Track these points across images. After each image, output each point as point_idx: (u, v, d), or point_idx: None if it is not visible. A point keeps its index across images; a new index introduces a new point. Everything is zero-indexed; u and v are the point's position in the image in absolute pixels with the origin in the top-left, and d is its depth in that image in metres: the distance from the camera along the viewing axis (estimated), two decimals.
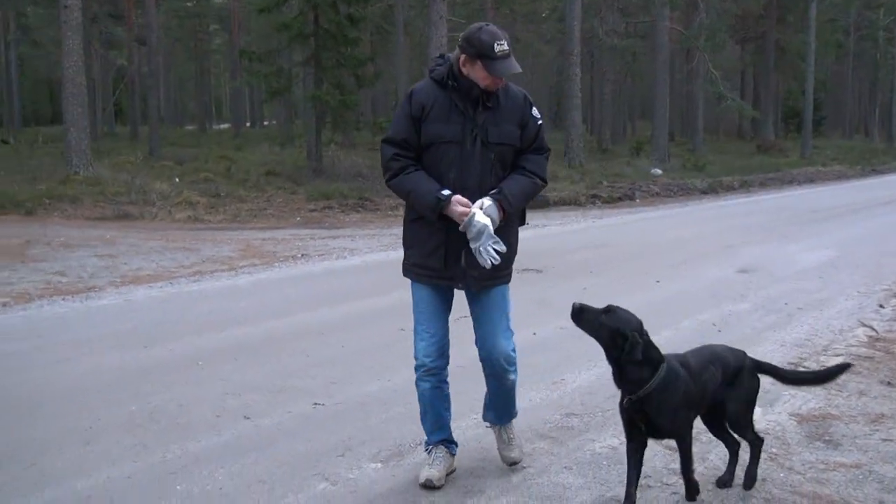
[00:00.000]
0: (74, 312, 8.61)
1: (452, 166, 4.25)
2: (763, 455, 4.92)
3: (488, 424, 4.94)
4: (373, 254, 12.61)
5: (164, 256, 11.87)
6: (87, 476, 4.63)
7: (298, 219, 16.88)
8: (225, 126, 63.57)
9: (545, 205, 19.28)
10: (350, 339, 7.53)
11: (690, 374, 4.11)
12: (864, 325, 8.13)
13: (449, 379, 4.59)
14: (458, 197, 4.17)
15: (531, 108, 4.42)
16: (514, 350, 4.59)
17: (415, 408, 4.71)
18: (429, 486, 4.42)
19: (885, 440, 5.24)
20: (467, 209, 4.14)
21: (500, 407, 4.76)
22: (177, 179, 21.58)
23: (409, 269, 4.46)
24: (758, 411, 5.59)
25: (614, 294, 9.30)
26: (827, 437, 5.30)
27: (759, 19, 46.45)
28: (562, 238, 14.66)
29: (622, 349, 3.97)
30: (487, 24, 4.25)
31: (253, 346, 7.27)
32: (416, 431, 4.83)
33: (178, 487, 4.49)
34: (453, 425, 4.73)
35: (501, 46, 4.12)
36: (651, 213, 19.02)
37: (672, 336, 7.52)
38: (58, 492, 4.44)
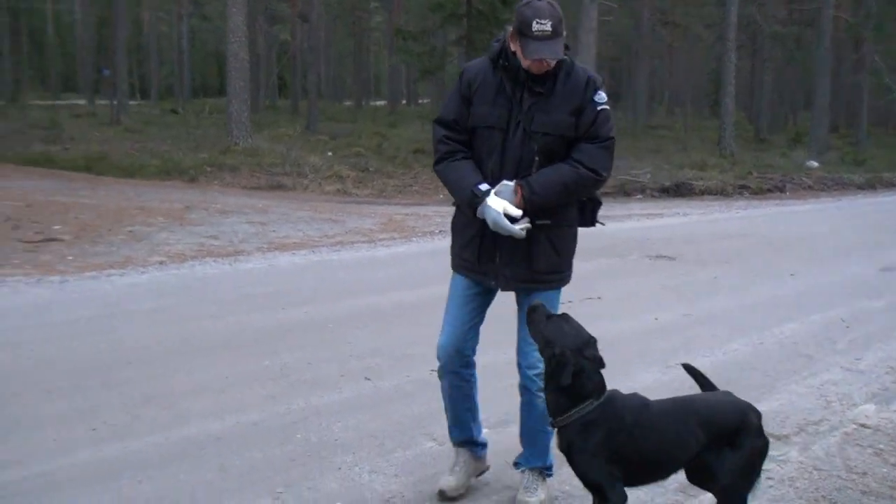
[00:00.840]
0: (222, 274, 9.23)
1: (492, 154, 3.82)
2: (868, 450, 4.96)
3: (520, 467, 4.24)
4: None
5: (311, 226, 12.45)
6: (220, 420, 5.08)
7: (441, 196, 17.26)
8: (381, 103, 64.79)
9: (690, 193, 19.08)
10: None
11: (637, 426, 3.34)
12: None
13: (476, 381, 4.21)
14: (497, 201, 3.75)
15: (594, 93, 3.80)
16: None
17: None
18: (442, 497, 4.11)
19: None
20: None
21: (528, 441, 4.18)
22: (329, 153, 22.36)
23: (453, 258, 4.11)
24: (872, 408, 5.64)
25: (744, 285, 9.35)
26: None
27: None
28: (701, 227, 14.54)
29: (549, 364, 3.38)
30: None
31: (382, 314, 7.65)
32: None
33: (298, 435, 4.88)
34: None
35: (542, 26, 3.60)
36: (800, 207, 18.54)
37: (798, 329, 7.48)
38: (193, 430, 4.91)
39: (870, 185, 23.13)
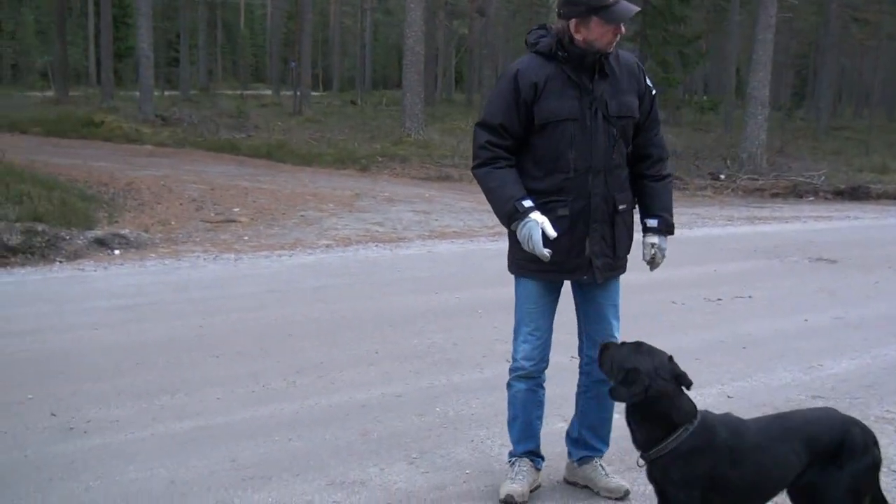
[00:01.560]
0: (383, 258, 9.72)
1: (572, 146, 3.76)
2: None
3: (577, 459, 4.28)
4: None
5: (472, 217, 12.82)
6: (367, 390, 5.47)
7: None
8: None
9: (866, 197, 18.38)
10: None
11: (736, 449, 3.16)
12: None
13: (546, 385, 4.19)
14: (540, 217, 3.71)
15: (645, 77, 3.94)
16: None
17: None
18: (509, 502, 3.99)
19: None
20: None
21: (601, 431, 4.25)
22: None
23: (520, 264, 3.96)
24: None
25: None
26: None
27: None
28: (871, 232, 14.04)
29: (624, 385, 3.23)
30: None
31: None
32: None
33: (437, 409, 5.21)
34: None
35: None
36: None
37: None
38: (341, 398, 5.31)
39: None
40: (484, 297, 7.97)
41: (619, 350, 3.37)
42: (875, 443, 3.32)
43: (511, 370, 4.15)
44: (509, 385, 4.16)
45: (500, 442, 4.75)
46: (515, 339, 4.11)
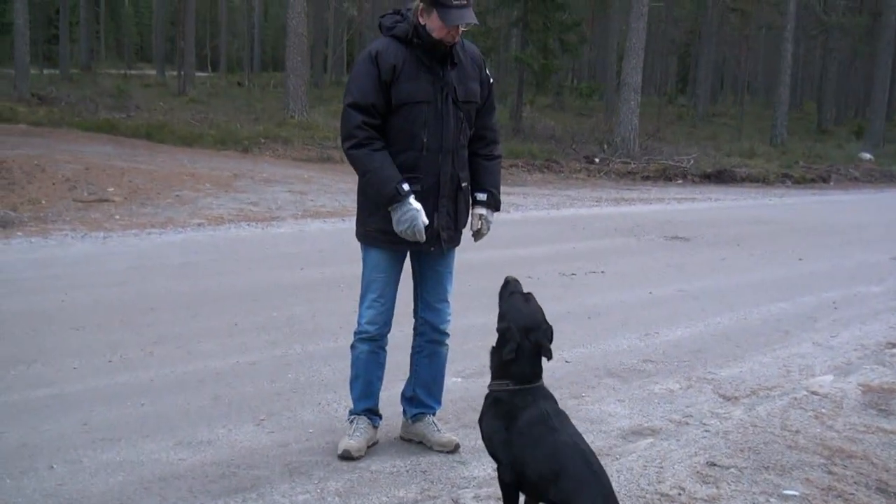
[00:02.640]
0: (253, 236, 9.90)
1: (426, 127, 4.07)
2: (809, 413, 5.37)
3: (411, 416, 4.59)
4: (536, 211, 13.35)
5: (348, 197, 13.02)
6: (222, 359, 5.69)
7: None
8: None
9: (731, 180, 19.28)
10: (477, 278, 8.31)
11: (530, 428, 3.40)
12: None
13: (388, 347, 4.48)
14: (417, 203, 4.05)
15: (486, 67, 4.35)
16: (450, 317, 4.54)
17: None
18: (346, 457, 4.26)
19: None
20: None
21: (434, 390, 4.60)
22: None
23: (371, 234, 4.24)
24: (829, 378, 6.05)
25: (750, 267, 9.73)
26: (883, 407, 5.61)
27: None
28: (728, 213, 14.84)
29: (499, 336, 3.57)
30: None
31: None
32: None
33: (289, 375, 5.47)
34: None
35: None
36: (838, 197, 18.67)
37: (786, 308, 7.85)
38: (197, 366, 5.53)
39: None
40: (348, 273, 8.17)
41: (509, 299, 3.62)
42: None
43: (355, 333, 4.40)
44: (353, 346, 4.42)
45: (346, 405, 5.00)
46: (361, 304, 4.36)
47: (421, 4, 4.01)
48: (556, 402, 3.56)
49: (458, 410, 5.04)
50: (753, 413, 5.34)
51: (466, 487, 4.10)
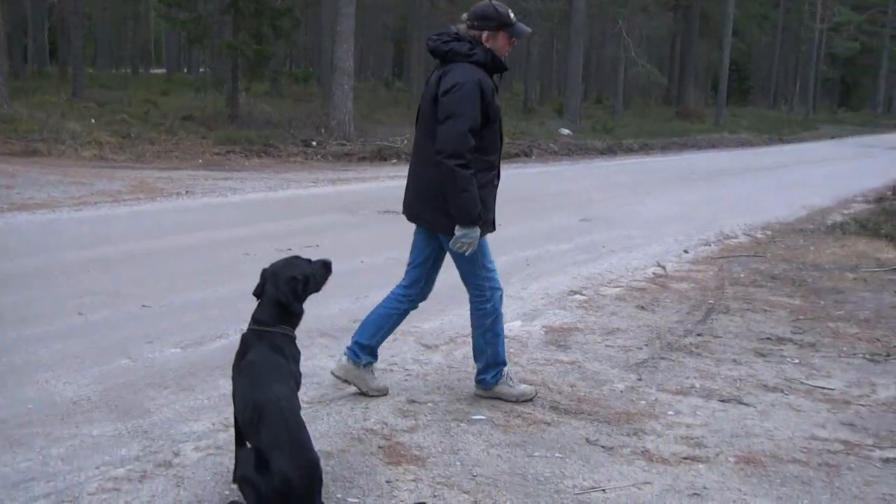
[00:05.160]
0: None
1: (496, 141, 4.87)
2: None
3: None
4: (253, 193, 13.57)
5: (57, 189, 12.69)
6: None
7: (200, 161, 17.69)
8: (161, 71, 63.39)
9: None
10: (195, 259, 8.54)
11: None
12: (659, 266, 9.33)
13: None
14: None
15: None
16: None
17: (224, 309, 5.69)
18: (530, 398, 5.22)
19: (607, 346, 6.40)
20: None
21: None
22: (93, 120, 22.14)
23: (486, 224, 4.88)
24: (518, 324, 6.79)
25: None
26: (561, 343, 6.44)
27: None
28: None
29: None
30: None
31: (110, 261, 8.25)
32: (222, 328, 5.91)
33: (4, 359, 5.49)
34: None
35: (510, 11, 4.79)
36: (537, 169, 20.13)
37: None
38: None
39: (610, 151, 25.17)
40: (62, 261, 8.19)
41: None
42: None
43: (496, 288, 5.18)
44: (497, 307, 5.23)
45: (65, 380, 5.18)
46: (491, 275, 5.15)
47: (485, 32, 4.70)
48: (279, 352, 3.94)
49: (178, 377, 5.31)
50: (451, 357, 5.98)
51: (186, 441, 4.41)
